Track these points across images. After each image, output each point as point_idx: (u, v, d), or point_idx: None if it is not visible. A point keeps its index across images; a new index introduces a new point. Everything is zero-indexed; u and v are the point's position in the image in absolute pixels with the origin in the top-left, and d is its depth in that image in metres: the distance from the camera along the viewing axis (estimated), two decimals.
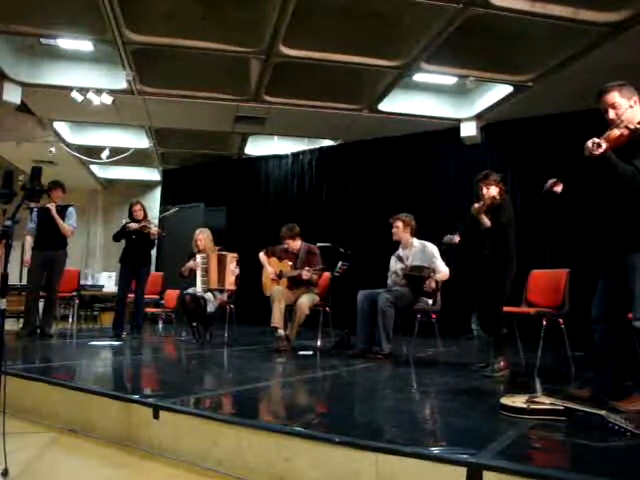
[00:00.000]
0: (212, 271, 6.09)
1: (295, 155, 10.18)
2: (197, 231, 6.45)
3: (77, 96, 7.02)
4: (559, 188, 3.13)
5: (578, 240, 6.98)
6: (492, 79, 6.80)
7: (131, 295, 6.59)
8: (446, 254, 5.17)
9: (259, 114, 8.12)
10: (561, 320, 4.18)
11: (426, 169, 8.63)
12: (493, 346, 4.07)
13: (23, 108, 7.67)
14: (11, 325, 7.32)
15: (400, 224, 5.18)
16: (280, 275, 5.63)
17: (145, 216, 6.63)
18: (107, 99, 7.18)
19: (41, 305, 6.34)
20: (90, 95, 7.08)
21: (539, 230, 7.37)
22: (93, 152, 9.89)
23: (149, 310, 7.69)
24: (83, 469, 2.47)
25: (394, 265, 5.21)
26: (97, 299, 9.49)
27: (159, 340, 6.93)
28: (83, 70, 7.05)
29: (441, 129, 8.29)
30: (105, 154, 9.74)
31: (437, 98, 7.87)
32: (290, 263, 5.67)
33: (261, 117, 8.26)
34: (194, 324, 6.12)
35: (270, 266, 5.74)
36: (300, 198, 9.88)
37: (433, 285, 4.78)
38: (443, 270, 4.94)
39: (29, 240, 6.17)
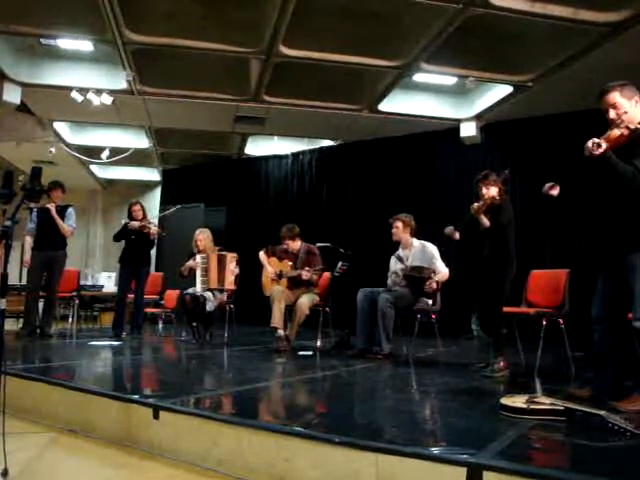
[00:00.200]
0: (212, 271, 6.09)
1: (295, 155, 10.18)
2: (197, 231, 6.45)
3: (77, 96, 7.02)
4: (556, 191, 3.14)
5: (578, 240, 6.98)
6: (492, 79, 6.81)
7: (131, 295, 6.59)
8: (446, 254, 5.17)
9: (259, 114, 8.12)
10: (561, 320, 4.17)
11: (426, 169, 8.63)
12: (493, 346, 4.07)
13: (23, 108, 7.67)
14: (11, 325, 7.31)
15: (400, 224, 5.18)
16: (280, 275, 5.63)
17: (144, 216, 6.63)
18: (107, 99, 7.18)
19: (41, 305, 6.34)
20: (90, 95, 7.08)
21: (539, 230, 7.37)
22: (93, 152, 9.89)
23: (149, 310, 7.69)
24: (83, 469, 2.47)
25: (394, 265, 5.21)
26: (97, 299, 9.49)
27: (159, 340, 6.93)
28: (83, 70, 7.06)
29: (441, 129, 8.29)
30: (105, 154, 9.74)
31: (437, 98, 7.87)
32: (290, 263, 5.67)
33: (261, 117, 8.26)
34: (194, 324, 6.12)
35: (270, 266, 5.74)
36: (300, 198, 9.88)
37: (433, 286, 4.77)
38: (443, 270, 4.94)
39: (29, 240, 6.17)
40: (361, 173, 9.19)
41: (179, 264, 6.42)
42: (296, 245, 5.72)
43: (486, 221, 4.03)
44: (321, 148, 9.86)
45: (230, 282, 6.17)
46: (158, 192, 11.87)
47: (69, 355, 5.16)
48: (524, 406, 2.50)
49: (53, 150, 9.23)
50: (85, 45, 6.39)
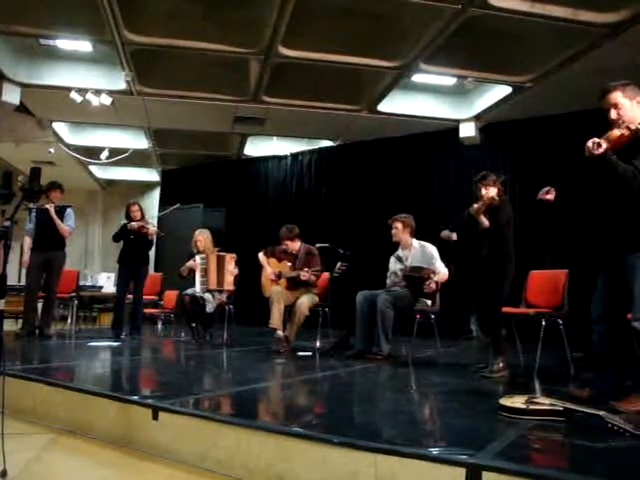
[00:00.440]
0: (211, 272, 6.09)
1: (294, 156, 10.19)
2: (197, 232, 6.45)
3: (76, 97, 7.03)
4: (552, 196, 3.14)
5: (577, 241, 6.99)
6: (491, 80, 6.81)
7: (130, 296, 6.58)
8: (445, 254, 5.17)
9: (258, 115, 8.13)
10: (560, 321, 4.18)
11: (425, 170, 8.64)
12: (492, 347, 4.06)
13: (22, 109, 7.67)
14: (10, 326, 7.31)
15: (399, 225, 5.17)
16: (279, 276, 5.62)
17: (142, 216, 6.61)
18: (106, 100, 7.19)
19: (40, 306, 6.33)
20: (89, 96, 7.08)
21: (538, 230, 7.38)
22: (92, 153, 9.90)
23: (148, 311, 7.69)
24: (82, 470, 2.46)
25: (393, 265, 5.21)
26: (96, 300, 9.49)
27: (158, 341, 6.93)
28: (82, 71, 7.06)
29: (440, 130, 8.29)
30: (104, 155, 9.74)
31: (436, 99, 7.88)
32: (289, 264, 5.66)
33: (260, 118, 8.26)
34: (193, 325, 6.11)
35: (269, 267, 5.74)
36: (299, 199, 9.88)
37: (433, 286, 4.77)
38: (442, 271, 4.94)
39: (28, 241, 6.16)
40: (360, 173, 9.19)
41: (178, 265, 6.42)
42: (295, 246, 5.71)
43: (485, 221, 4.03)
44: (320, 149, 9.87)
45: (229, 283, 6.17)
46: (157, 193, 11.88)
47: (68, 356, 5.16)
48: (523, 406, 2.50)
49: (52, 150, 9.23)
50: (84, 45, 6.39)
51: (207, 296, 6.04)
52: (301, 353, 5.25)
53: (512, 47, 5.97)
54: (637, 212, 2.73)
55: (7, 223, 2.44)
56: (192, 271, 6.18)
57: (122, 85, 7.06)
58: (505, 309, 4.08)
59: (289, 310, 5.46)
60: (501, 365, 3.91)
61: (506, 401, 2.61)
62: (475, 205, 4.10)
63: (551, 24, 5.24)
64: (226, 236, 9.44)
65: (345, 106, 7.76)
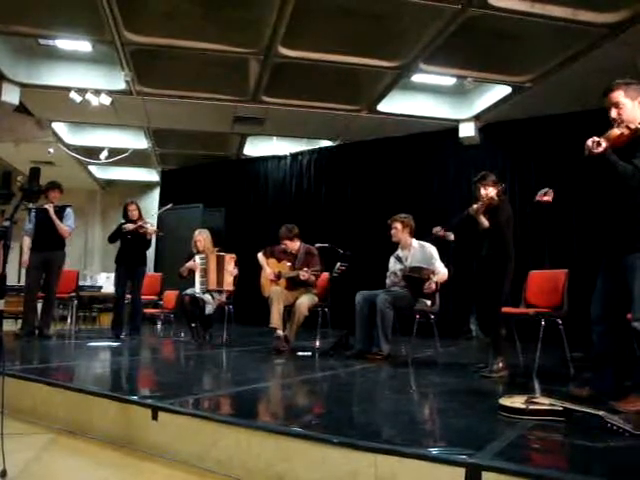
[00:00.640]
0: (211, 272, 6.09)
1: (294, 156, 10.19)
2: (196, 232, 6.45)
3: (76, 97, 7.02)
4: (549, 198, 3.13)
5: (577, 241, 6.99)
6: (491, 80, 6.82)
7: (129, 296, 6.57)
8: (445, 255, 5.17)
9: (258, 115, 8.13)
10: (560, 321, 4.17)
11: (425, 170, 8.64)
12: (492, 347, 4.06)
13: (22, 109, 7.67)
14: (10, 326, 7.30)
15: (399, 225, 5.17)
16: (279, 276, 5.62)
17: (140, 216, 6.58)
18: (106, 100, 7.19)
19: (39, 306, 6.33)
20: (89, 96, 7.08)
21: (538, 231, 7.38)
22: (92, 153, 9.89)
23: (148, 311, 7.69)
24: (81, 470, 2.46)
25: (393, 266, 5.21)
26: (96, 300, 9.49)
27: (158, 341, 6.93)
28: (82, 71, 7.06)
29: (440, 130, 8.30)
30: (104, 155, 9.74)
31: (436, 99, 7.88)
32: (289, 264, 5.66)
33: (260, 118, 8.26)
34: (193, 325, 6.11)
35: (269, 267, 5.73)
36: (299, 199, 9.88)
37: (432, 286, 4.77)
38: (442, 271, 4.93)
39: (27, 241, 6.16)
40: (360, 173, 9.19)
41: (178, 265, 6.42)
42: (295, 245, 5.71)
43: (485, 221, 4.03)
44: (320, 149, 9.87)
45: (229, 283, 6.17)
46: (157, 193, 11.88)
47: (68, 356, 5.16)
48: (523, 406, 2.50)
49: (52, 150, 9.23)
50: (84, 45, 6.40)
51: (207, 296, 6.04)
52: (301, 353, 5.25)
53: (512, 47, 5.97)
54: (636, 212, 2.73)
55: (6, 223, 2.44)
56: (192, 271, 6.18)
57: (122, 85, 7.06)
58: (505, 309, 4.08)
59: (289, 310, 5.46)
60: (501, 365, 3.91)
61: (506, 401, 2.61)
62: (474, 205, 4.10)
63: (551, 24, 5.25)
64: (226, 236, 9.45)
65: (345, 106, 7.76)
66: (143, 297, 6.66)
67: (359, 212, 8.93)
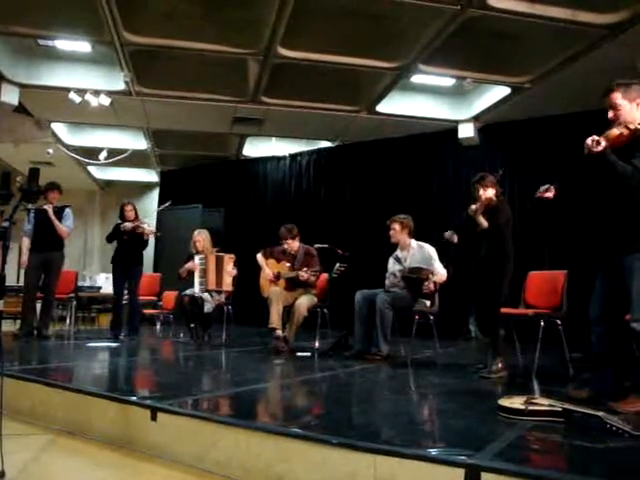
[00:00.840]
0: (210, 272, 6.09)
1: (293, 156, 10.19)
2: (195, 232, 6.45)
3: (75, 97, 7.02)
4: (551, 194, 3.13)
5: (576, 241, 6.99)
6: (490, 80, 6.82)
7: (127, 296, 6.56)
8: (444, 255, 5.17)
9: (257, 115, 8.13)
10: (559, 321, 4.18)
11: (424, 170, 8.64)
12: (491, 347, 4.06)
13: (21, 109, 7.66)
14: (9, 326, 7.29)
15: (397, 226, 5.17)
16: (278, 276, 5.62)
17: (137, 216, 6.57)
18: (105, 100, 7.18)
19: (38, 306, 6.32)
20: (88, 96, 7.07)
21: (537, 231, 7.38)
22: (91, 153, 9.88)
23: (147, 311, 7.68)
24: (80, 471, 2.46)
25: (392, 266, 5.21)
26: (95, 300, 9.48)
27: (157, 341, 6.93)
28: (81, 71, 7.05)
29: (439, 130, 8.30)
30: (103, 155, 9.73)
31: (435, 100, 7.88)
32: (288, 264, 5.66)
33: (259, 118, 8.26)
34: (192, 325, 6.11)
35: (268, 267, 5.73)
36: (298, 199, 9.88)
37: (431, 287, 4.77)
38: (441, 272, 4.94)
39: (26, 241, 6.15)
40: (359, 174, 9.19)
41: (177, 265, 6.42)
42: (294, 246, 5.71)
43: (484, 222, 4.03)
44: (319, 149, 9.87)
45: (228, 284, 6.17)
46: (156, 193, 11.86)
47: (67, 356, 5.15)
48: (522, 407, 2.50)
49: (51, 151, 9.22)
50: (83, 46, 6.39)
51: (206, 297, 6.04)
52: (300, 354, 5.25)
53: (511, 48, 5.98)
54: (635, 212, 2.73)
55: (5, 224, 2.44)
56: (191, 273, 6.18)
57: (121, 86, 7.05)
58: (504, 310, 4.08)
59: (288, 311, 5.46)
60: (500, 366, 3.91)
61: (505, 402, 2.61)
62: (473, 206, 4.10)
63: (550, 25, 5.25)
64: (225, 236, 9.44)
65: (344, 107, 7.76)
66: (142, 297, 6.65)
67: (358, 213, 8.93)
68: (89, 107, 7.25)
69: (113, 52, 6.22)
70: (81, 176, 11.18)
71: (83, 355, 5.14)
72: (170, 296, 7.33)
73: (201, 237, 6.33)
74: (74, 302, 7.09)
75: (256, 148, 10.36)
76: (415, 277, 4.81)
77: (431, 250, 5.07)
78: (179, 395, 2.95)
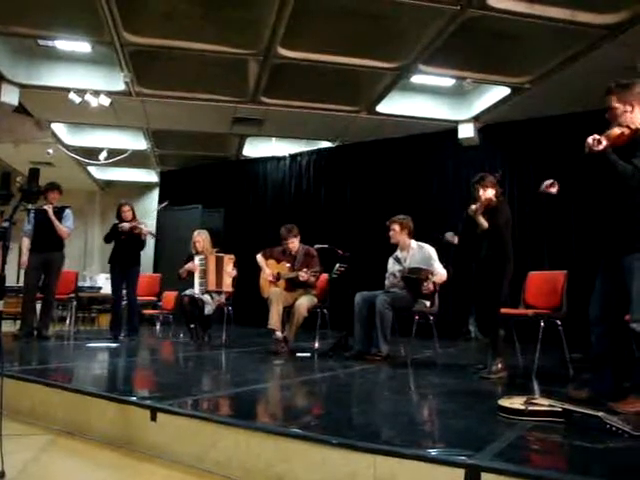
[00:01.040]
0: (210, 273, 6.09)
1: (293, 157, 10.19)
2: (195, 232, 6.45)
3: (75, 97, 7.02)
4: (555, 189, 3.12)
5: (576, 241, 6.99)
6: (490, 81, 6.82)
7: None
8: (444, 256, 5.17)
9: (257, 116, 8.13)
10: (559, 322, 4.18)
11: (424, 171, 8.64)
12: (491, 348, 4.06)
13: (21, 109, 7.66)
14: (9, 327, 7.29)
15: (397, 227, 5.17)
16: (278, 277, 5.62)
17: (134, 217, 6.56)
18: (105, 100, 7.18)
19: (38, 307, 6.32)
20: (88, 96, 7.07)
21: (537, 231, 7.38)
22: (91, 154, 9.89)
23: (147, 312, 7.67)
24: (80, 471, 2.46)
25: (392, 266, 5.21)
26: (95, 301, 9.48)
27: (157, 342, 6.92)
28: (81, 71, 7.05)
29: (439, 131, 8.30)
30: (103, 156, 9.73)
31: (435, 100, 7.88)
32: (288, 265, 5.66)
33: (259, 119, 8.26)
34: (192, 325, 6.11)
35: (268, 268, 5.73)
36: (298, 200, 9.88)
37: (431, 287, 4.77)
38: (441, 272, 4.94)
39: (26, 242, 6.15)
40: (359, 174, 9.19)
41: (177, 265, 6.41)
42: (294, 246, 5.71)
43: (484, 222, 4.03)
44: (319, 150, 9.87)
45: (227, 284, 6.16)
46: (156, 194, 11.86)
47: (66, 357, 5.15)
48: (522, 407, 2.50)
49: (51, 151, 9.22)
50: (83, 46, 6.40)
51: (206, 297, 6.04)
52: (300, 354, 5.25)
53: (511, 48, 5.98)
54: (635, 212, 2.73)
55: (5, 224, 2.44)
56: (191, 273, 6.18)
57: (121, 86, 7.05)
58: (504, 310, 4.08)
59: (288, 311, 5.46)
60: (500, 366, 3.91)
61: (505, 402, 2.61)
62: (473, 206, 4.10)
63: (550, 25, 5.25)
64: (225, 237, 9.44)
65: (344, 107, 7.76)
66: (142, 298, 6.65)
67: (358, 213, 8.93)
68: (89, 107, 7.25)
69: (113, 52, 6.22)
70: (81, 176, 11.18)
71: (83, 355, 5.14)
72: (170, 296, 7.33)
73: (201, 237, 6.32)
74: (74, 302, 7.08)
75: (256, 148, 10.36)
76: (415, 277, 4.81)
77: (431, 250, 5.08)
78: (179, 395, 2.95)
